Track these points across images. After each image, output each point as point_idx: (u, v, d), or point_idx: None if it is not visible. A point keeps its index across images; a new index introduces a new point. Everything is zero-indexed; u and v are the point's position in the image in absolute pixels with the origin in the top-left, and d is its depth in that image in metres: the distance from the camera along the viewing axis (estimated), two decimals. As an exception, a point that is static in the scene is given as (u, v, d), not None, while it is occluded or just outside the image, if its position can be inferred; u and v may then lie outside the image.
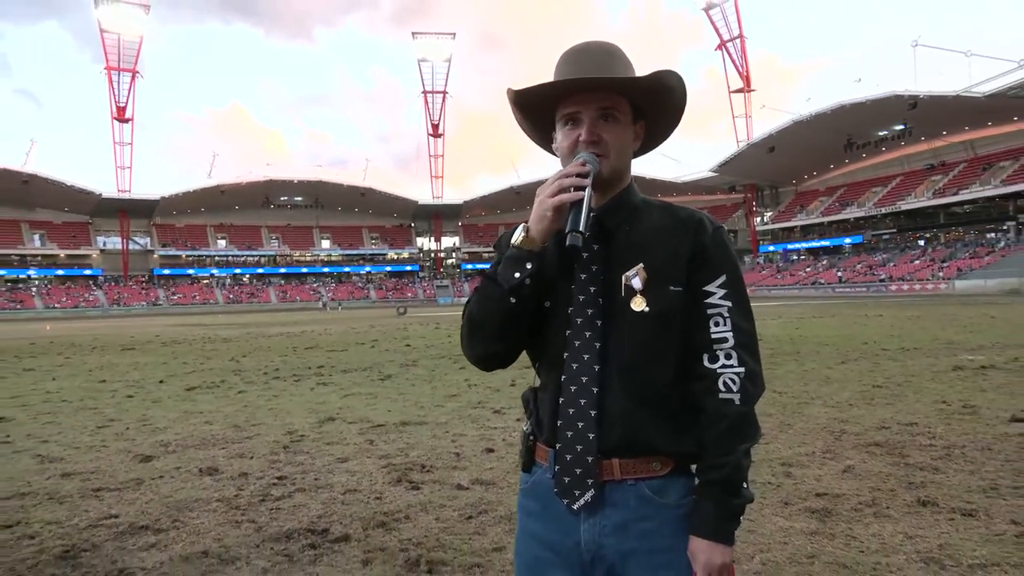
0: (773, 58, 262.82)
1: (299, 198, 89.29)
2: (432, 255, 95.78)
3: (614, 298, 1.29)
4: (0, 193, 73.79)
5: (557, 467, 1.29)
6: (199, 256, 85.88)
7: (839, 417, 6.29)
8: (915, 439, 5.32)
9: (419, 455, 5.34)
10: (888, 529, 3.48)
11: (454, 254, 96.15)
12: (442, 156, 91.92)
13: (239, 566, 3.29)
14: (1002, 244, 54.45)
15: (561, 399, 1.29)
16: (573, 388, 1.29)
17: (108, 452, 5.75)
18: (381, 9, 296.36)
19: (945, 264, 55.17)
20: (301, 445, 5.83)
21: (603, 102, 1.31)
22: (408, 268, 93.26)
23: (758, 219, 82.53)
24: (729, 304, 1.29)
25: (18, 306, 69.57)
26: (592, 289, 1.30)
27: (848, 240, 70.53)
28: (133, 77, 78.90)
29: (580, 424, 1.27)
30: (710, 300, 1.29)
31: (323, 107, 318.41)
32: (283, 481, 4.71)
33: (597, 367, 1.28)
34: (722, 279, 1.30)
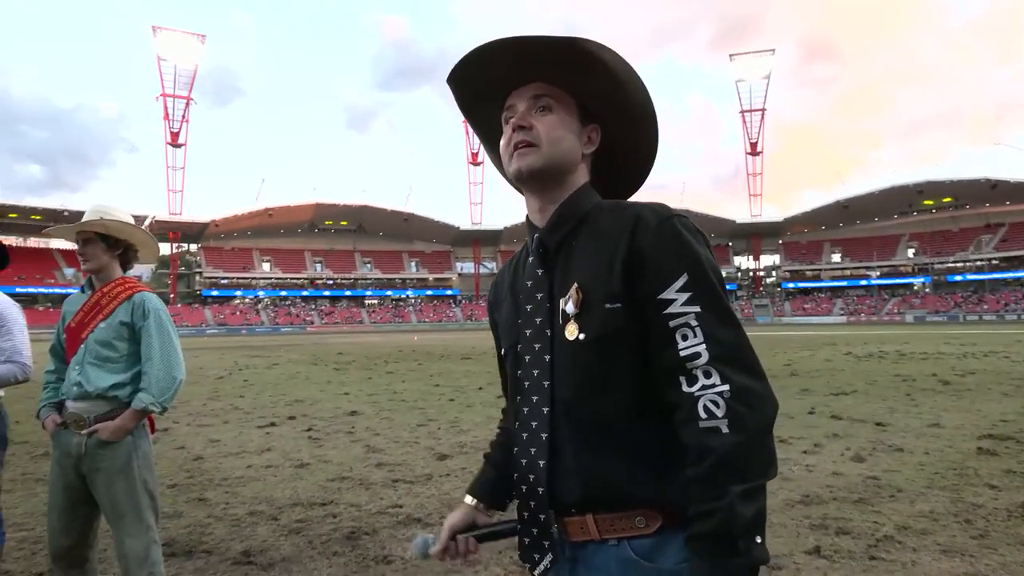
0: None
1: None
2: (751, 274, 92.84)
3: (556, 328, 1.10)
4: (389, 229, 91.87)
5: (518, 526, 1.13)
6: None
7: None
8: None
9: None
10: None
11: (774, 272, 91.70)
12: (760, 174, 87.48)
13: (478, 570, 3.38)
14: None
15: (515, 448, 1.14)
16: (524, 435, 1.12)
17: (417, 448, 6.52)
18: (696, 38, 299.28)
19: None
20: (574, 458, 5.86)
21: (537, 91, 1.15)
22: (727, 288, 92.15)
23: None
24: (696, 309, 1.01)
25: (399, 320, 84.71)
26: (538, 320, 1.12)
27: None
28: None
29: (531, 476, 1.10)
30: (670, 310, 1.02)
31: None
32: (545, 492, 4.77)
33: (546, 409, 1.09)
34: (681, 281, 1.02)
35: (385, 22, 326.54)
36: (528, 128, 1.13)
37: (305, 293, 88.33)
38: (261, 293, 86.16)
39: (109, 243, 2.49)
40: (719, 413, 0.96)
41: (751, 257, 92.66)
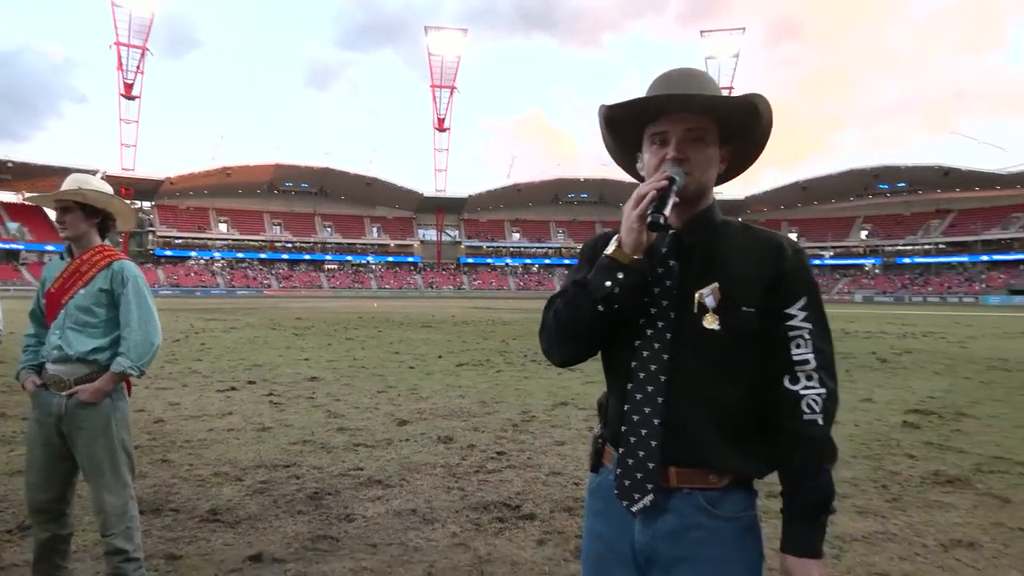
0: None
1: (584, 195, 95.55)
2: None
3: (686, 313, 1.32)
4: (351, 193, 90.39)
5: (619, 470, 1.33)
6: (496, 247, 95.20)
7: None
8: None
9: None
10: None
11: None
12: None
13: (435, 527, 3.62)
14: None
15: (626, 406, 1.34)
16: (639, 396, 1.33)
17: (377, 414, 6.69)
18: (667, 13, 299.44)
19: None
20: (529, 425, 6.13)
21: (691, 123, 1.32)
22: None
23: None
24: (810, 326, 1.32)
25: (359, 286, 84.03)
26: (664, 303, 1.33)
27: None
28: (451, 92, 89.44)
29: (643, 431, 1.31)
30: (791, 323, 1.32)
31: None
32: (501, 456, 5.02)
33: (663, 378, 1.31)
34: (802, 301, 1.32)
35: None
36: (684, 160, 1.31)
37: (263, 256, 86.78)
38: (217, 255, 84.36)
39: (88, 212, 2.57)
40: (817, 409, 1.29)
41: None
